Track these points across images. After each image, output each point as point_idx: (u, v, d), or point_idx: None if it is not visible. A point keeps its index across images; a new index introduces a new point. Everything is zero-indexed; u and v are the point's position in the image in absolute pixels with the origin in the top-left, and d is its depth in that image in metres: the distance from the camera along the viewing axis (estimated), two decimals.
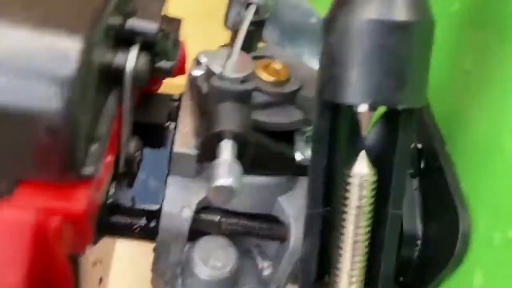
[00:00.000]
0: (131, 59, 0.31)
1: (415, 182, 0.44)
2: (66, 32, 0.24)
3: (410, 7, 0.30)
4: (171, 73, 0.35)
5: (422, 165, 0.43)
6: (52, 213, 0.25)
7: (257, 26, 0.44)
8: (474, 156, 0.39)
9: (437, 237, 0.40)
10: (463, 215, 0.37)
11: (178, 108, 0.42)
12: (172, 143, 0.39)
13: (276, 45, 0.47)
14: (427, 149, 0.43)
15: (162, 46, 0.33)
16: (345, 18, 0.31)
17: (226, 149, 0.32)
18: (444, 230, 0.39)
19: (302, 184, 0.41)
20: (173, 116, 0.41)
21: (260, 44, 0.47)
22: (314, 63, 0.47)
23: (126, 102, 0.32)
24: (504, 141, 0.36)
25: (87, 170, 0.26)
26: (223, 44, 0.48)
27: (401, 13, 0.30)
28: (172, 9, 0.43)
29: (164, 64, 0.34)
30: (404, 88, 0.30)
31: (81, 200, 0.26)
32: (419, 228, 0.42)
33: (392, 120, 0.34)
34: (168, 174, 0.39)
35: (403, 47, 0.30)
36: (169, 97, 0.42)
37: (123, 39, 0.32)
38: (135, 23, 0.32)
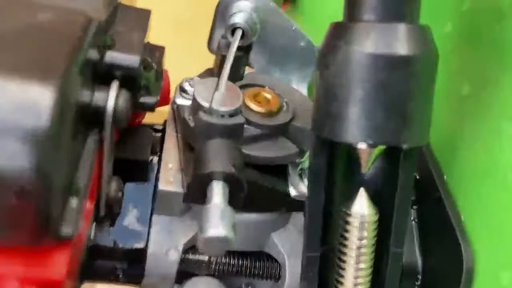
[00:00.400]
0: (111, 98, 0.28)
1: (412, 212, 0.42)
2: (36, 78, 0.22)
3: (413, 40, 0.28)
4: (154, 108, 0.32)
5: (419, 195, 0.42)
6: (27, 282, 0.22)
7: (243, 51, 0.42)
8: (475, 187, 0.37)
9: (438, 271, 0.39)
10: (466, 250, 0.35)
11: (161, 139, 0.39)
12: (156, 179, 0.37)
13: (264, 70, 0.45)
14: (424, 178, 0.41)
15: (145, 80, 0.31)
16: (344, 51, 0.29)
17: (217, 192, 0.30)
18: (445, 265, 0.38)
19: (296, 219, 0.39)
20: (156, 149, 0.38)
21: (247, 69, 0.44)
22: (303, 88, 0.45)
23: (107, 143, 0.29)
24: (507, 173, 0.34)
25: (66, 230, 0.23)
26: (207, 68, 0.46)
27: (403, 47, 0.28)
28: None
29: (147, 99, 0.32)
30: (407, 127, 0.29)
31: (59, 265, 0.23)
32: (418, 261, 0.41)
33: (393, 155, 0.32)
34: (152, 213, 0.37)
35: (407, 83, 0.28)
36: (151, 128, 0.39)
37: (101, 75, 0.29)
38: (114, 56, 0.30)
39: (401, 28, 0.28)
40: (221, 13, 0.43)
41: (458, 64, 0.41)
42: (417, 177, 0.41)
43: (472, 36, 0.40)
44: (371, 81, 0.28)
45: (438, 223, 0.39)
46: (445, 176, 0.40)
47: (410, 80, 0.28)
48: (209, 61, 0.47)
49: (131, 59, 0.29)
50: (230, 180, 0.31)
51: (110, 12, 0.30)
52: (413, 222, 0.42)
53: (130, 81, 0.29)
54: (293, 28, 0.43)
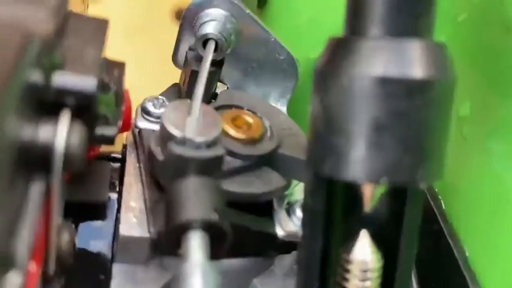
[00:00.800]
0: (60, 134, 0.22)
1: None
2: None
3: (431, 60, 0.23)
4: (114, 140, 0.26)
5: None
6: None
7: (216, 66, 0.37)
8: (480, 218, 0.34)
9: None
10: None
11: (121, 171, 0.33)
12: (117, 221, 0.31)
13: (238, 86, 0.40)
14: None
15: (103, 106, 0.25)
16: (348, 74, 0.24)
17: (196, 246, 0.24)
18: None
19: (282, 260, 0.34)
20: (115, 183, 0.32)
21: (219, 86, 0.39)
22: (283, 106, 0.40)
23: (56, 192, 0.23)
24: None
25: None
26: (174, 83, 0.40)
27: (420, 69, 0.23)
28: None
29: (105, 130, 0.26)
30: (425, 163, 0.24)
31: None
32: None
33: (397, 194, 0.28)
34: (112, 262, 0.31)
35: (424, 112, 0.23)
36: (108, 159, 0.33)
37: (48, 104, 0.23)
38: (64, 79, 0.23)
39: (416, 46, 0.23)
40: (189, 22, 0.37)
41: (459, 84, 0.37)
42: None
43: (469, 49, 0.37)
44: (380, 110, 0.23)
45: (439, 260, 0.35)
46: (443, 206, 0.37)
47: (428, 108, 0.23)
48: (168, 71, 0.42)
49: (85, 82, 0.23)
50: (211, 229, 0.25)
51: (59, 23, 0.24)
52: None
53: (85, 109, 0.23)
54: (271, 38, 0.38)
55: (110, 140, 0.26)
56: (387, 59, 0.23)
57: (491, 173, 0.33)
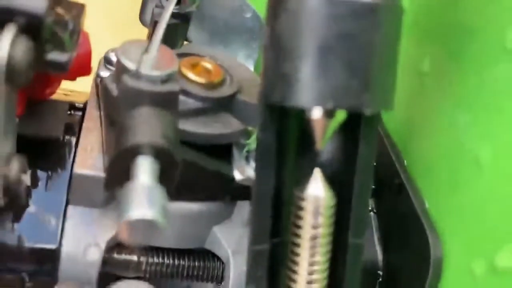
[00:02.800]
0: (3, 43, 0.22)
1: (370, 202, 0.38)
2: None
3: None
4: (66, 68, 0.26)
5: (377, 183, 0.38)
6: None
7: (181, 20, 0.37)
8: (440, 171, 0.34)
9: (402, 266, 0.34)
10: (434, 240, 0.32)
11: (81, 119, 0.33)
12: (73, 163, 0.31)
13: (205, 46, 0.40)
14: (382, 165, 0.37)
15: (53, 32, 0.25)
16: None
17: (144, 169, 0.24)
18: (410, 258, 0.33)
19: (242, 209, 0.34)
20: (74, 129, 0.32)
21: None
22: (250, 66, 0.41)
23: (1, 105, 0.23)
24: (478, 149, 0.31)
25: None
26: None
27: None
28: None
29: (56, 56, 0.26)
30: (371, 88, 0.24)
31: None
32: (379, 256, 0.36)
33: (351, 130, 0.28)
34: (67, 204, 0.31)
35: (371, 35, 0.24)
36: (68, 105, 0.33)
37: None
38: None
39: None
40: None
41: (418, 39, 0.37)
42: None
43: (431, 12, 0.37)
44: (329, 33, 0.23)
45: (400, 212, 0.35)
46: (405, 161, 0.37)
47: (374, 31, 0.24)
48: None
49: (34, 3, 0.23)
50: (161, 156, 0.25)
51: None
52: (371, 213, 0.38)
53: (34, 30, 0.23)
54: None
55: (62, 66, 0.25)
56: None
57: (452, 132, 0.33)
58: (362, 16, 0.23)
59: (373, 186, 0.37)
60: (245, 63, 0.40)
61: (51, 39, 0.25)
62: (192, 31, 0.39)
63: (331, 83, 0.24)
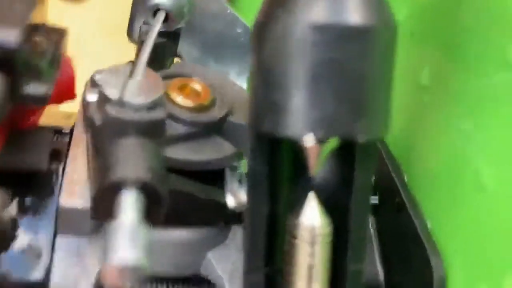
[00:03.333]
0: None
1: (370, 220, 0.37)
2: None
3: (367, 8, 0.22)
4: (46, 101, 0.25)
5: (377, 201, 0.37)
6: None
7: (169, 38, 0.36)
8: (442, 189, 0.33)
9: (404, 287, 0.33)
10: (436, 262, 0.30)
11: (68, 145, 0.32)
12: (59, 193, 0.30)
13: (196, 62, 0.39)
14: (382, 181, 0.36)
15: (29, 64, 0.24)
16: (282, 22, 0.23)
17: (127, 205, 0.23)
18: (413, 280, 0.32)
19: (236, 234, 0.33)
20: (60, 156, 0.31)
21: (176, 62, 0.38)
22: (243, 82, 0.39)
23: None
24: (479, 162, 0.30)
25: None
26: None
27: (356, 15, 0.22)
28: (77, 26, 0.34)
29: (34, 88, 0.25)
30: (363, 115, 0.23)
31: None
32: (380, 276, 0.35)
33: (346, 153, 0.26)
34: (55, 235, 0.30)
35: (361, 60, 0.22)
36: (54, 131, 0.32)
37: None
38: None
39: None
40: None
41: (416, 51, 0.36)
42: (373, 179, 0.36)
43: (429, 23, 0.36)
44: (316, 60, 0.22)
45: (401, 232, 0.34)
46: (405, 177, 0.36)
47: (365, 56, 0.22)
48: None
49: (7, 34, 0.22)
50: (145, 190, 0.24)
51: None
52: (371, 231, 0.37)
53: (7, 64, 0.22)
54: (228, 11, 0.37)
55: (40, 99, 0.25)
56: (322, 6, 0.22)
57: (454, 147, 0.32)
58: (351, 41, 0.22)
59: (374, 204, 0.36)
60: (237, 79, 0.39)
61: (28, 71, 0.24)
62: (183, 46, 0.38)
63: (322, 112, 0.23)
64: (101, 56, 0.36)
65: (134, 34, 0.38)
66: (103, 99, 0.27)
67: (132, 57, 0.37)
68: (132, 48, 0.38)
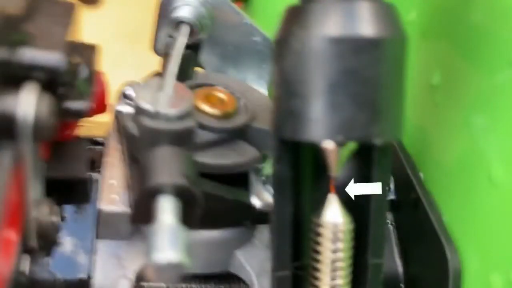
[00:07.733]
0: (26, 104, 0.23)
1: (388, 215, 0.39)
2: None
3: (379, 20, 0.24)
4: (85, 115, 0.27)
5: (394, 197, 0.38)
6: None
7: (192, 50, 0.38)
8: (456, 184, 0.34)
9: (422, 279, 0.35)
10: (452, 254, 0.32)
11: (103, 154, 0.34)
12: (99, 199, 0.32)
13: (217, 71, 0.41)
14: (398, 178, 0.38)
15: (71, 83, 0.26)
16: (300, 37, 0.25)
17: (166, 209, 0.25)
18: (430, 271, 0.34)
19: (263, 233, 0.35)
20: (97, 164, 0.33)
21: (198, 71, 0.40)
22: (262, 88, 0.41)
23: (27, 160, 0.24)
24: (491, 164, 0.31)
25: None
26: (154, 71, 0.41)
27: (369, 28, 0.24)
28: (95, 30, 0.35)
29: (75, 104, 0.27)
30: (379, 119, 0.25)
31: None
32: (399, 269, 0.37)
33: (365, 155, 0.28)
34: (96, 238, 0.32)
35: (375, 69, 0.24)
36: (90, 141, 0.34)
37: (15, 79, 0.24)
38: (29, 55, 0.25)
39: (365, 6, 0.24)
40: (165, 8, 0.38)
41: (427, 52, 0.38)
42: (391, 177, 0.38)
43: (439, 23, 0.38)
44: (332, 70, 0.24)
45: (418, 226, 0.35)
46: (421, 174, 0.37)
47: (378, 65, 0.24)
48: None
49: (51, 57, 0.25)
50: (181, 194, 0.26)
51: (27, 3, 0.25)
52: (390, 225, 0.38)
53: (53, 83, 0.25)
54: (246, 22, 0.39)
55: (80, 114, 0.27)
56: (336, 20, 0.24)
57: (467, 144, 0.33)
58: (365, 52, 0.24)
59: (391, 201, 0.38)
60: (257, 84, 0.41)
61: (68, 89, 0.26)
62: (204, 56, 0.40)
63: (340, 118, 0.24)
64: (118, 60, 0.37)
65: (158, 46, 0.40)
66: (138, 112, 0.29)
67: (148, 61, 0.39)
68: (147, 51, 0.39)
